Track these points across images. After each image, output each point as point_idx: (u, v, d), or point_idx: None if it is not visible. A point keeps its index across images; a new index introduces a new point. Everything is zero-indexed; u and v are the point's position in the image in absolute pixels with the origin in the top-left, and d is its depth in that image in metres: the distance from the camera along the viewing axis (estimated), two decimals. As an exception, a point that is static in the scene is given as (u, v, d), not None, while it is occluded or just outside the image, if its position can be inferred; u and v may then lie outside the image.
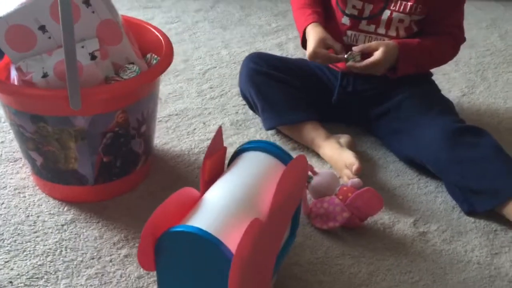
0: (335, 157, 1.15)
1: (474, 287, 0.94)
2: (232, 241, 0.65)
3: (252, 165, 0.80)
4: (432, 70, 1.33)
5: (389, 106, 1.22)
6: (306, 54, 1.19)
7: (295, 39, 1.74)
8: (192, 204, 0.73)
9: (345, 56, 1.15)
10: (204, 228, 0.66)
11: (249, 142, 0.84)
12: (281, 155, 0.81)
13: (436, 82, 1.33)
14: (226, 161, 0.89)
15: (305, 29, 1.20)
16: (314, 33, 1.17)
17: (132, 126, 0.98)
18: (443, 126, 1.10)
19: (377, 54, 1.13)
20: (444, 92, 1.49)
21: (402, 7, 1.16)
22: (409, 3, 1.16)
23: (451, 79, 1.60)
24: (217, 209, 0.71)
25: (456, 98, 1.50)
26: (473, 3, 2.19)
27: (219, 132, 0.82)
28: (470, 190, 1.06)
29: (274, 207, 0.71)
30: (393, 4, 1.17)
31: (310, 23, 1.19)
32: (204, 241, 0.65)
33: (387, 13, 1.18)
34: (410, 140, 1.15)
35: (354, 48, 1.14)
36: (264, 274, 0.74)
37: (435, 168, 1.12)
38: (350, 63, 1.14)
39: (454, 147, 1.07)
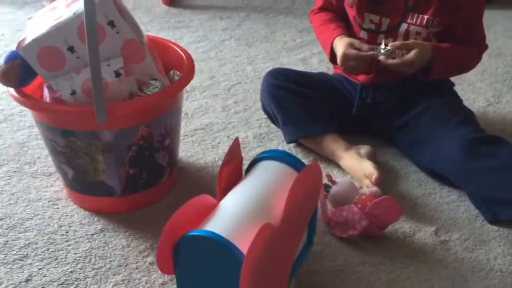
0: (354, 167, 1.17)
1: (495, 295, 0.93)
2: (245, 245, 0.68)
3: (267, 173, 0.83)
4: (456, 80, 1.34)
5: (408, 117, 1.23)
6: (336, 64, 1.22)
7: (319, 54, 1.77)
8: (209, 211, 0.76)
9: (381, 50, 1.15)
10: (217, 232, 0.69)
11: (264, 152, 0.87)
12: (295, 164, 0.84)
13: (461, 92, 1.34)
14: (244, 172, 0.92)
15: (332, 43, 1.23)
16: (341, 42, 1.20)
17: (156, 139, 1.03)
18: (461, 137, 1.11)
19: (412, 53, 1.14)
20: (469, 102, 1.49)
21: (419, 20, 1.18)
22: (426, 16, 1.17)
23: (477, 89, 1.59)
24: (231, 214, 0.74)
25: (481, 108, 1.49)
26: (500, 13, 2.18)
27: (235, 143, 0.85)
28: (492, 199, 1.06)
29: (287, 213, 0.74)
30: (410, 17, 1.19)
31: (336, 36, 1.22)
32: (217, 244, 0.68)
33: (404, 26, 1.19)
34: (429, 152, 1.16)
35: (391, 44, 1.15)
36: (278, 279, 0.77)
37: (455, 179, 1.13)
38: (382, 57, 1.15)
39: (472, 158, 1.07)
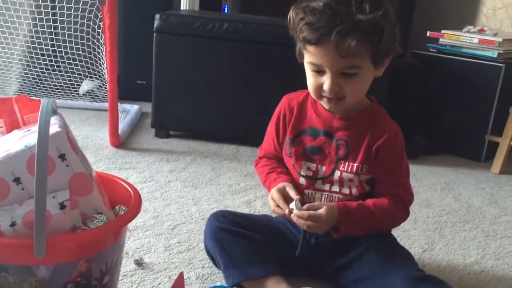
0: (297, 310, 1.15)
1: None
2: None
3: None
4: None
5: (351, 257, 1.26)
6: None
7: (263, 197, 1.83)
8: None
9: (290, 206, 1.22)
10: None
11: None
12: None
13: (397, 238, 1.39)
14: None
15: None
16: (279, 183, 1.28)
17: (94, 276, 0.98)
18: (405, 274, 1.14)
19: (320, 210, 1.20)
20: (405, 247, 1.55)
21: (349, 168, 1.27)
22: (355, 164, 1.26)
23: (411, 236, 1.67)
24: None
25: (417, 254, 1.54)
26: (427, 168, 2.39)
27: (180, 278, 0.83)
28: None
29: None
30: (342, 165, 1.27)
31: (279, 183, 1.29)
32: None
33: (337, 173, 1.28)
34: None
35: (296, 212, 1.20)
36: None
37: None
38: (293, 213, 1.20)
39: None
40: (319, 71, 1.18)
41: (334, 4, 1.11)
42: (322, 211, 1.20)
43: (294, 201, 1.22)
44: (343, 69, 1.15)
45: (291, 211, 1.21)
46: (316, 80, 1.20)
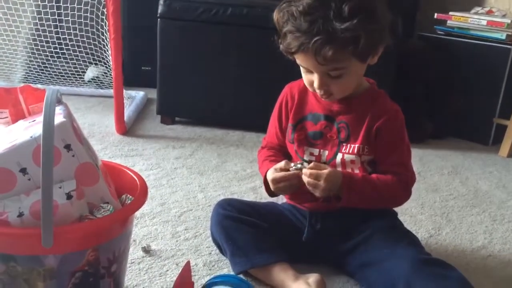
0: (303, 297, 1.15)
1: None
2: None
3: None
4: (397, 211, 1.40)
5: (357, 241, 1.26)
6: (274, 196, 1.30)
7: (269, 184, 1.83)
8: None
9: (295, 165, 1.23)
10: None
11: (215, 277, 0.85)
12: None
13: (404, 223, 1.39)
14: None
15: (265, 178, 1.30)
16: (269, 172, 1.28)
17: (102, 265, 0.99)
18: (411, 257, 1.14)
19: (324, 171, 1.20)
20: (412, 232, 1.55)
21: (351, 149, 1.27)
22: (357, 145, 1.26)
23: (418, 221, 1.66)
24: None
25: (423, 239, 1.54)
26: (434, 152, 2.37)
27: (187, 267, 0.84)
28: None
29: None
30: (344, 148, 1.27)
31: (267, 171, 1.30)
32: None
33: (339, 156, 1.28)
34: (381, 273, 1.17)
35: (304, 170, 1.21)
36: None
37: None
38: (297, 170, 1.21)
39: (423, 278, 1.10)
40: (308, 70, 1.21)
41: (312, 9, 1.11)
42: (324, 172, 1.19)
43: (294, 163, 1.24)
44: (328, 71, 1.17)
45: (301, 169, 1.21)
46: (308, 77, 1.23)
